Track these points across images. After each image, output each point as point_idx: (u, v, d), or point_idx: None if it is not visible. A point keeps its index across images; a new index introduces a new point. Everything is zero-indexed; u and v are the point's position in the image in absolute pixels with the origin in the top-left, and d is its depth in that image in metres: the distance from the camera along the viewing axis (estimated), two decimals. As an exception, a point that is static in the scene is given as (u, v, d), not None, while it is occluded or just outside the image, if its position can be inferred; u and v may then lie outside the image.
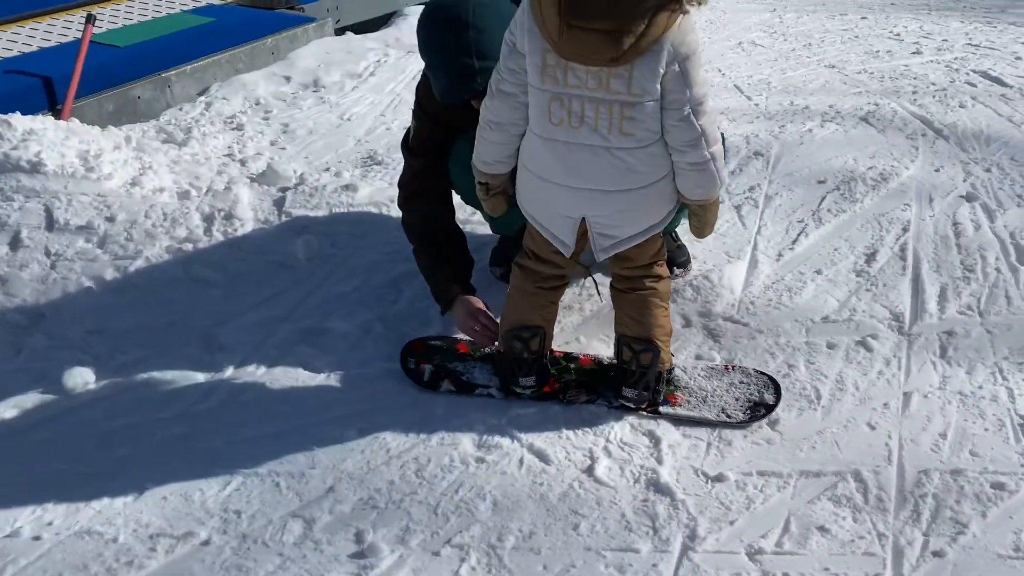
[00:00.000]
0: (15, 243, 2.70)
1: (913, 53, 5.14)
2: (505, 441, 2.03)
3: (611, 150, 1.74)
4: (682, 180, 1.85)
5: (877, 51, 5.22)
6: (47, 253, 2.68)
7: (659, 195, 1.85)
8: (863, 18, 6.32)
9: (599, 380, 2.20)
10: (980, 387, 2.18)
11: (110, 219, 2.79)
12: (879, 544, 1.74)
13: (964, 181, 3.26)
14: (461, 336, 2.36)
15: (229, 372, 2.27)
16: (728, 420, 2.08)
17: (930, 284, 2.61)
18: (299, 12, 5.85)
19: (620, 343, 2.06)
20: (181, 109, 3.88)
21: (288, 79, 4.26)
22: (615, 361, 2.14)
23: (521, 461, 1.98)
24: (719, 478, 1.91)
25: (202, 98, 4.01)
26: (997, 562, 1.68)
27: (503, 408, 2.13)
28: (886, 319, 2.46)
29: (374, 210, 2.97)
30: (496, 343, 2.16)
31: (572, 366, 2.26)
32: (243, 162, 3.31)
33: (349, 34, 5.10)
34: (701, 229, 2.00)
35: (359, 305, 2.51)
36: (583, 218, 1.86)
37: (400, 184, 2.40)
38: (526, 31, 1.66)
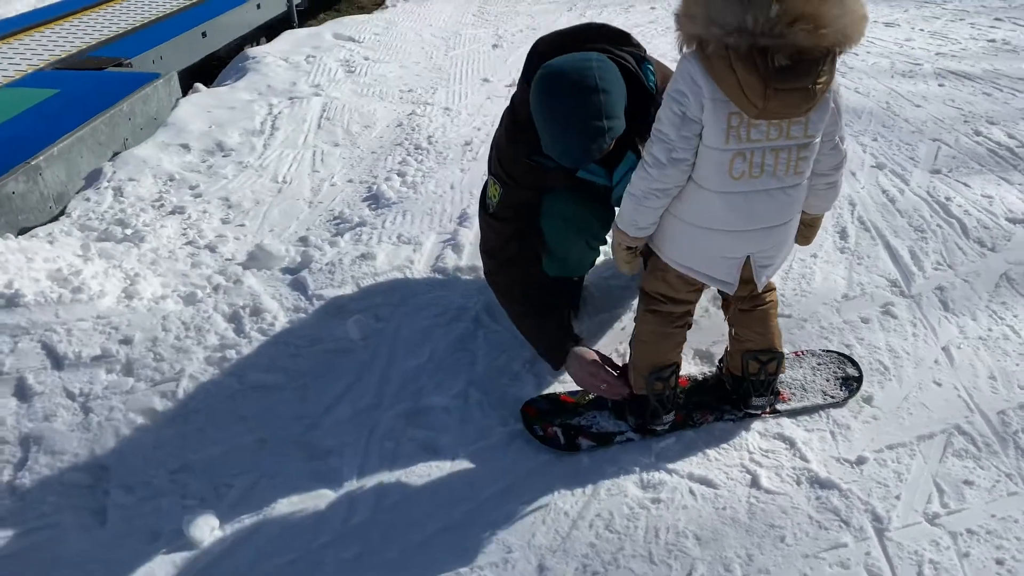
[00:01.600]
0: (24, 392, 2.33)
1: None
2: (665, 476, 2.11)
3: (784, 189, 1.85)
4: (819, 199, 2.00)
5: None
6: (70, 395, 2.33)
7: (797, 219, 2.01)
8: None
9: (710, 397, 2.34)
10: (990, 330, 2.57)
11: (126, 341, 2.47)
12: (1013, 483, 2.04)
13: (865, 152, 3.73)
14: (560, 389, 2.39)
15: (357, 477, 2.14)
16: (834, 400, 2.31)
17: (901, 249, 2.99)
18: (128, 68, 5.34)
19: (745, 357, 2.20)
20: (89, 200, 3.44)
21: (187, 147, 3.91)
22: (725, 373, 2.30)
23: (691, 492, 2.07)
24: (861, 460, 2.12)
25: (103, 184, 3.57)
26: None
27: (644, 447, 2.19)
28: (889, 287, 2.79)
29: (399, 275, 2.86)
30: (626, 390, 2.22)
31: (679, 391, 2.37)
32: (212, 248, 3.03)
33: (218, 89, 4.74)
34: (812, 238, 2.19)
35: (442, 375, 2.44)
36: (749, 256, 1.97)
37: (489, 252, 2.36)
38: (707, 99, 1.71)
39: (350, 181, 3.65)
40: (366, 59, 5.39)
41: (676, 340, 2.16)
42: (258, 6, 7.65)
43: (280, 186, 3.58)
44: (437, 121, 4.27)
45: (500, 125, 2.34)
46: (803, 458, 2.14)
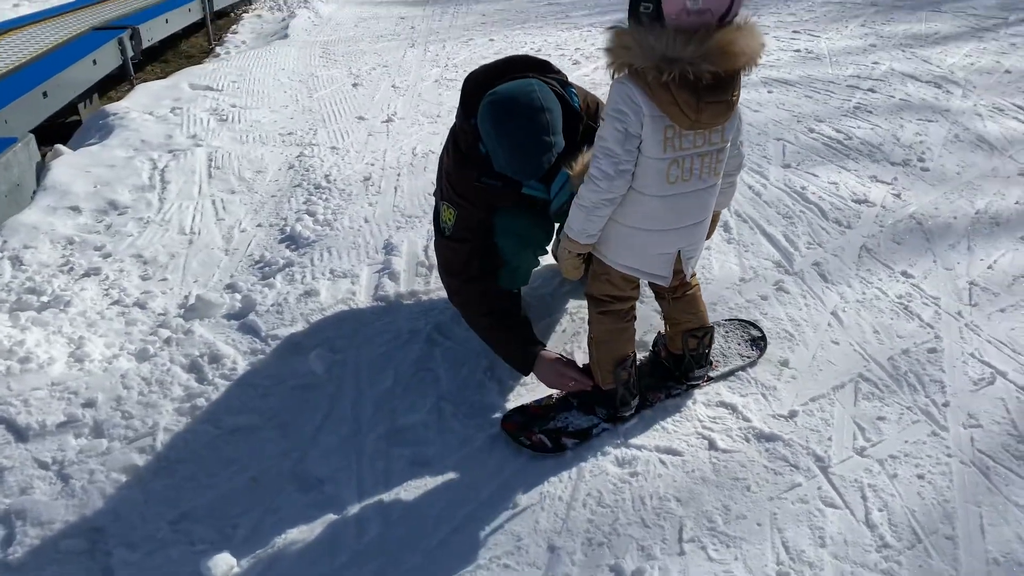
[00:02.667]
0: (-8, 470, 2.24)
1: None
2: (636, 453, 2.35)
3: (707, 189, 2.15)
4: (724, 196, 2.32)
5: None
6: (43, 465, 2.26)
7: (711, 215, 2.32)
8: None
9: (655, 379, 2.60)
10: (864, 294, 3.01)
11: (89, 404, 2.42)
12: (914, 413, 2.43)
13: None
14: (522, 392, 2.58)
15: (357, 499, 2.23)
16: (750, 359, 2.66)
17: (776, 234, 3.41)
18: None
19: (685, 336, 2.48)
20: (-15, 274, 3.27)
21: (77, 209, 3.77)
22: (664, 355, 2.58)
23: (662, 462, 2.32)
24: (792, 414, 2.45)
25: (-6, 256, 3.40)
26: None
27: (613, 431, 2.42)
28: (775, 267, 3.19)
29: (344, 307, 2.94)
30: (589, 383, 2.44)
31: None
32: (141, 305, 2.98)
33: (88, 148, 4.55)
34: (714, 231, 2.49)
35: (411, 395, 2.57)
36: (679, 250, 2.24)
37: (451, 272, 2.51)
38: (646, 116, 1.96)
39: (259, 225, 3.68)
40: (234, 106, 5.36)
41: (629, 333, 2.41)
42: (94, 62, 7.34)
43: (190, 237, 3.55)
44: (328, 160, 4.36)
45: (444, 154, 2.52)
46: (746, 419, 2.44)
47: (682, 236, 2.21)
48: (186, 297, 3.06)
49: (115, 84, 8.69)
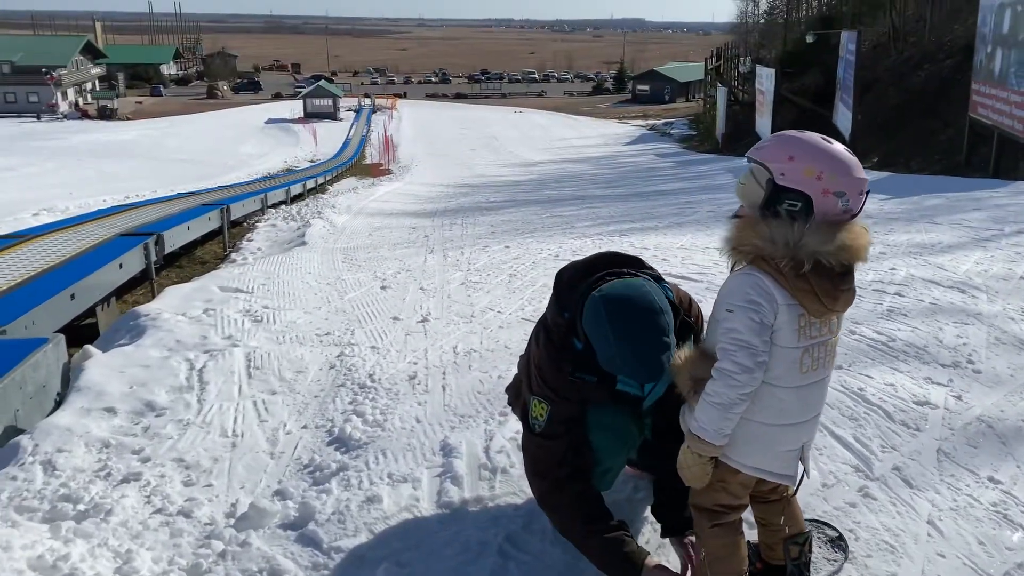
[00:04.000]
0: None
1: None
2: None
3: (827, 379, 2.09)
4: None
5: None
6: None
7: None
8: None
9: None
10: (955, 500, 2.81)
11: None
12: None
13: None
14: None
15: None
16: (839, 563, 2.47)
17: (847, 437, 3.26)
18: (2, 335, 4.93)
19: (787, 544, 2.26)
20: (16, 478, 3.00)
21: (112, 411, 3.59)
22: (757, 566, 2.35)
23: None
24: None
25: (25, 460, 3.16)
26: None
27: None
28: (854, 472, 3.01)
29: (408, 515, 2.70)
30: None
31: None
32: (187, 514, 2.73)
33: (121, 349, 4.44)
34: None
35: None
36: (803, 445, 2.09)
37: (542, 474, 2.33)
38: (781, 306, 1.92)
39: (304, 427, 3.50)
40: (266, 307, 5.33)
41: (744, 545, 2.19)
42: (120, 266, 7.44)
43: (233, 440, 3.35)
44: (371, 360, 4.25)
45: (535, 348, 2.41)
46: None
47: (807, 430, 2.10)
48: (233, 505, 2.82)
49: (131, 288, 8.78)
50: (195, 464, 3.14)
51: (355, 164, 33.68)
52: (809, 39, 25.97)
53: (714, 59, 48.47)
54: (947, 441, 3.20)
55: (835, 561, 2.46)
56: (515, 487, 2.88)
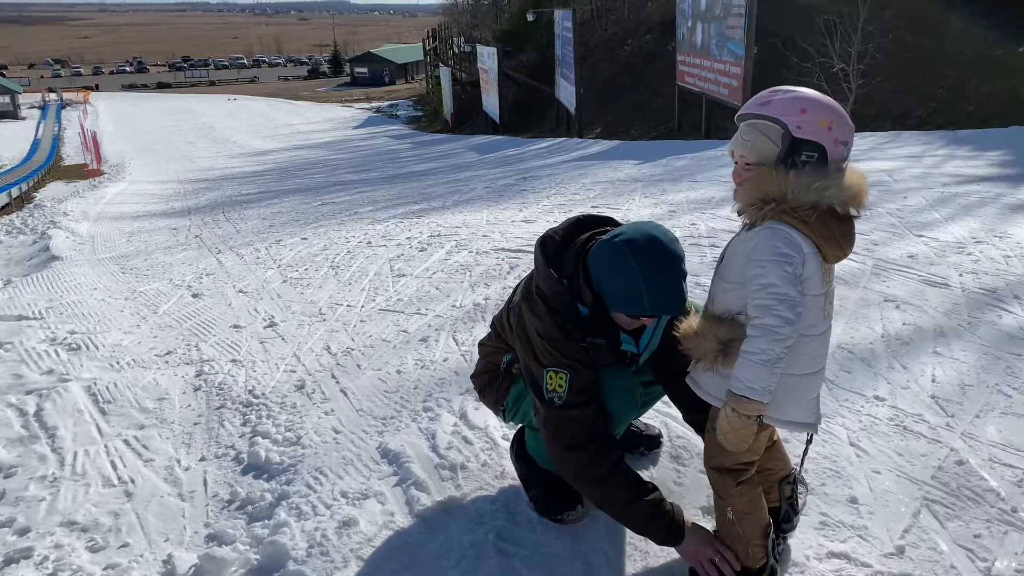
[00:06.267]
0: None
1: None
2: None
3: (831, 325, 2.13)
4: None
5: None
6: None
7: None
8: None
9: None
10: (860, 422, 3.12)
11: None
12: (1006, 524, 2.48)
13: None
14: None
15: None
16: (805, 495, 2.57)
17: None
18: None
19: (781, 485, 2.35)
20: None
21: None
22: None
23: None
24: (900, 549, 2.39)
25: None
26: None
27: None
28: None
29: (389, 532, 2.42)
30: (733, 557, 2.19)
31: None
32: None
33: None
34: None
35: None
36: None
37: (575, 446, 2.19)
38: (807, 254, 1.94)
39: (202, 459, 3.02)
40: (73, 333, 4.55)
41: (762, 496, 2.23)
42: None
43: (124, 488, 2.80)
44: (239, 374, 3.78)
45: (535, 322, 2.26)
46: (866, 564, 2.33)
47: (823, 375, 2.15)
48: (167, 562, 2.36)
49: None
50: (93, 524, 2.58)
51: (53, 166, 29.77)
52: (530, 17, 27.14)
53: (431, 40, 49.15)
54: (827, 371, 3.52)
55: (801, 494, 2.60)
56: (480, 481, 2.72)
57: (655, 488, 2.25)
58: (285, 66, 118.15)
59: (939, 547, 2.38)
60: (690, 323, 2.14)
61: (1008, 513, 2.48)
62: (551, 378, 2.22)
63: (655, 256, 2.07)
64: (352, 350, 4.00)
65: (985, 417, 3.04)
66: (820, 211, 1.94)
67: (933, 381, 3.36)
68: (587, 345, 2.22)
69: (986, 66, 12.69)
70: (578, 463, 2.22)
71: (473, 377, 2.64)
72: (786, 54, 14.07)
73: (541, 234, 2.33)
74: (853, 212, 1.99)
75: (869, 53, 12.40)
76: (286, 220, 9.94)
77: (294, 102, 62.35)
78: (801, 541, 2.42)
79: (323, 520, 2.51)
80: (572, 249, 2.25)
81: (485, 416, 3.11)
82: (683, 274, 2.10)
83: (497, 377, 2.53)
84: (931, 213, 5.82)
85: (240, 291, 5.48)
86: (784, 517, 2.37)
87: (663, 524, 2.21)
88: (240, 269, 6.29)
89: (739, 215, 2.08)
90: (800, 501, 2.51)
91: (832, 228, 1.96)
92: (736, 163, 2.07)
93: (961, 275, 4.48)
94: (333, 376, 3.68)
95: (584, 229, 2.32)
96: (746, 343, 1.97)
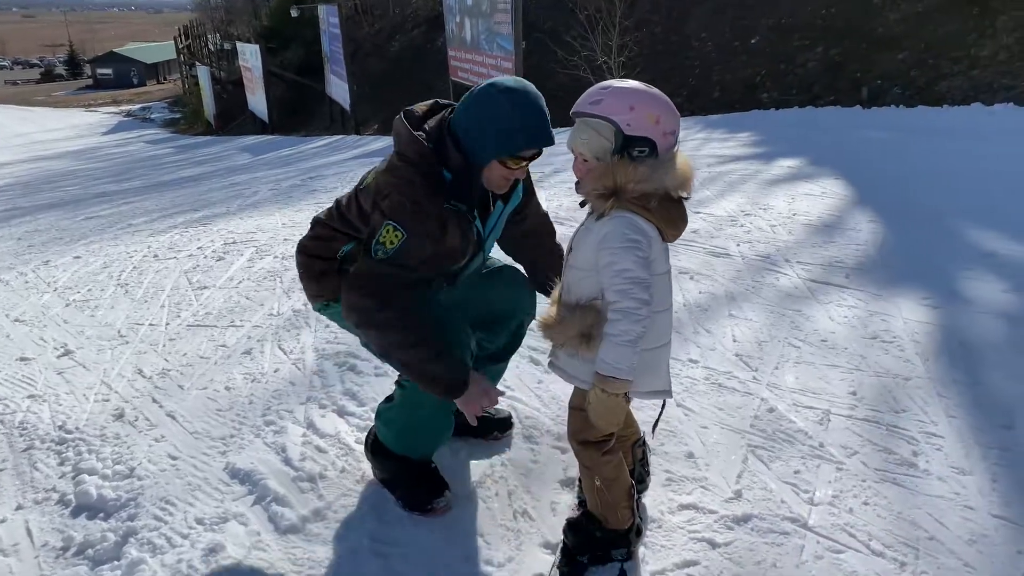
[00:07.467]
0: None
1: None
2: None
3: None
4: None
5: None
6: None
7: None
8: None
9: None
10: (681, 384, 3.40)
11: None
12: (816, 457, 2.83)
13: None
14: None
15: None
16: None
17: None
18: None
19: (635, 448, 2.55)
20: None
21: None
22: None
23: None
24: (738, 493, 2.66)
25: None
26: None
27: (634, 568, 2.35)
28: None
29: (262, 553, 2.27)
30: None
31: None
32: None
33: None
34: None
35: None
36: None
37: (373, 294, 2.22)
38: (653, 240, 2.08)
39: (19, 508, 2.65)
40: None
41: (624, 460, 2.38)
42: None
43: None
44: (43, 410, 3.34)
45: (396, 184, 2.25)
46: (712, 511, 2.56)
47: (671, 345, 2.32)
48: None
49: None
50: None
51: None
52: (294, 13, 26.21)
53: (183, 38, 46.15)
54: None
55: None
56: (342, 488, 2.66)
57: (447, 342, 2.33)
58: (12, 69, 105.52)
59: (769, 486, 2.66)
60: (549, 313, 2.24)
61: (818, 448, 2.83)
62: (387, 232, 2.22)
63: (523, 93, 2.24)
64: (168, 371, 3.71)
65: (783, 368, 3.42)
66: (658, 197, 2.10)
67: (734, 340, 3.73)
68: (449, 207, 2.25)
69: (726, 57, 14.11)
70: (369, 308, 2.23)
71: (301, 253, 2.53)
72: (553, 48, 14.76)
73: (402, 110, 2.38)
74: (684, 195, 2.14)
75: (628, 46, 13.33)
76: (47, 239, 8.96)
77: (28, 108, 55.93)
78: (653, 499, 2.62)
79: (183, 551, 2.33)
80: (435, 118, 2.34)
81: (335, 423, 3.04)
82: (543, 108, 2.27)
83: (331, 268, 2.45)
84: (704, 191, 6.40)
85: (16, 320, 4.87)
86: (638, 478, 2.55)
87: (446, 368, 2.28)
88: (8, 296, 5.59)
89: (581, 206, 2.20)
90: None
91: (671, 211, 2.11)
92: (576, 158, 2.18)
93: (739, 245, 5.00)
94: (154, 400, 3.40)
95: (443, 107, 2.42)
96: (608, 326, 2.06)
